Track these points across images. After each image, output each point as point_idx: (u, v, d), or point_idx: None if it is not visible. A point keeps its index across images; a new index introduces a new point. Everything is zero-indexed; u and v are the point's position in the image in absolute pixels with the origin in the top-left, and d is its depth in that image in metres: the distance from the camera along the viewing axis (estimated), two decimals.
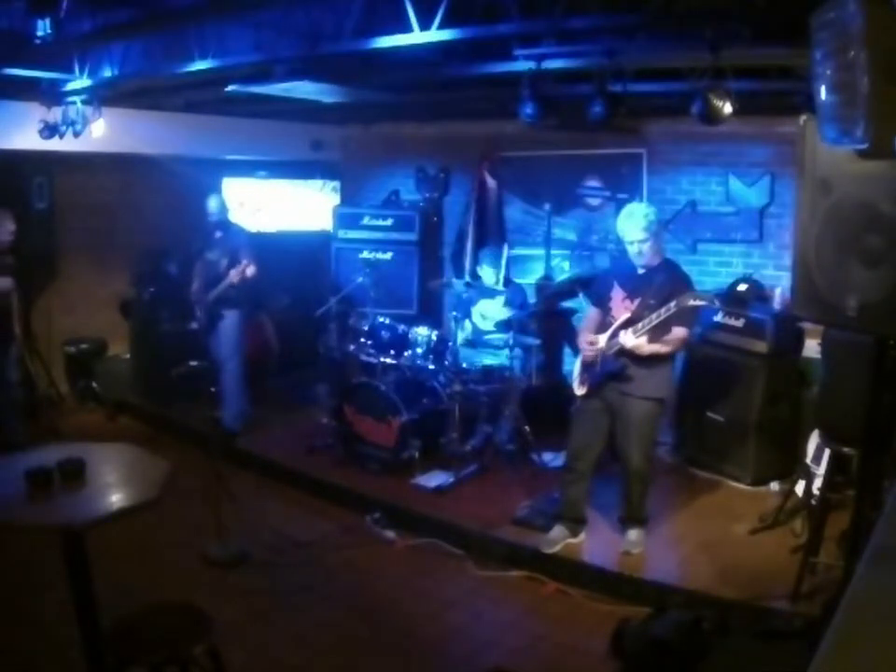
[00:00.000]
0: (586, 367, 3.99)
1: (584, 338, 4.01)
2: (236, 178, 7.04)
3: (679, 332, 3.73)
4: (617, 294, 3.94)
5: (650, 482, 4.06)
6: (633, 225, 3.80)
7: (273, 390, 6.69)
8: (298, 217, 7.53)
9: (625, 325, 3.80)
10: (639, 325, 3.66)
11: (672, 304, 3.57)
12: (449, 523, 4.36)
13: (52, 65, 4.49)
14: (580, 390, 4.02)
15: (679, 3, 2.87)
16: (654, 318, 3.63)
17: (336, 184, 7.71)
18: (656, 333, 3.71)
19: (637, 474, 3.96)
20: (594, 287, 4.25)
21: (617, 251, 5.96)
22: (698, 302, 3.61)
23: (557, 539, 4.07)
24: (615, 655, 3.18)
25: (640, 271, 3.90)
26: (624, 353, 3.79)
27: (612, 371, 3.85)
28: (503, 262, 5.77)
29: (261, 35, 3.87)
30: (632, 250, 3.85)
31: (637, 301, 3.82)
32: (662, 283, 3.78)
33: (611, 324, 3.89)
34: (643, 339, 3.68)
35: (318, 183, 7.65)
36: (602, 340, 3.89)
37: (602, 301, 4.03)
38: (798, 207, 2.59)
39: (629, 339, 3.70)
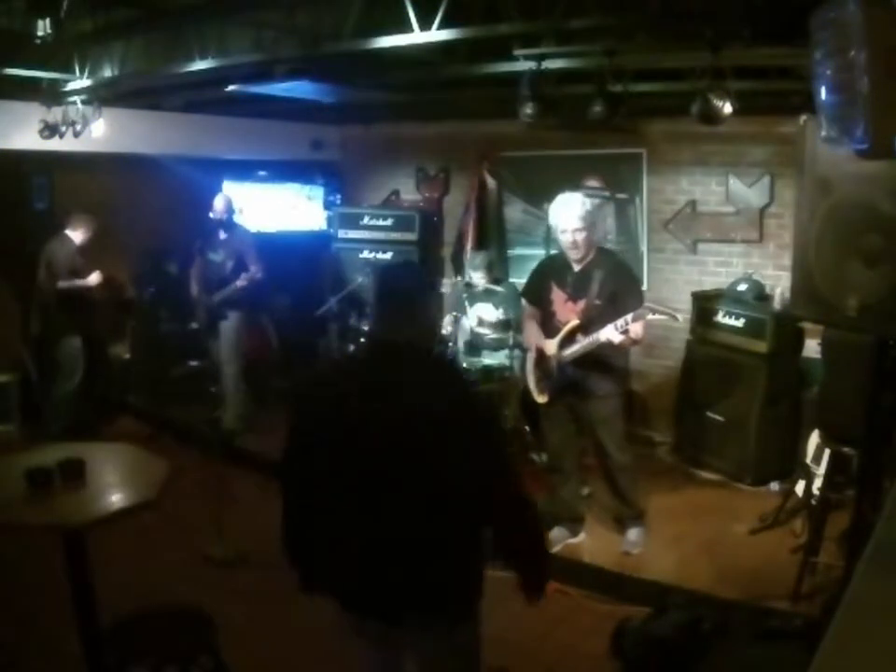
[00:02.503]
0: (543, 375, 3.93)
1: (533, 343, 3.93)
2: (236, 178, 7.03)
3: (637, 328, 3.61)
4: (557, 296, 3.84)
5: (635, 472, 4.07)
6: (569, 213, 3.70)
7: (273, 390, 6.68)
8: (298, 217, 7.52)
9: (575, 331, 3.72)
10: (618, 322, 3.52)
11: (629, 317, 3.48)
12: None
13: (52, 65, 4.49)
14: (540, 398, 3.98)
15: (678, 3, 2.87)
16: (622, 324, 3.51)
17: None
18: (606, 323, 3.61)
19: (621, 468, 3.97)
20: (530, 287, 4.07)
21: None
22: (657, 317, 3.54)
23: (557, 540, 4.07)
24: (615, 655, 3.18)
25: (576, 267, 3.80)
26: (581, 361, 3.72)
27: (571, 379, 3.81)
28: (494, 264, 5.74)
29: (261, 35, 3.86)
30: (565, 240, 3.73)
31: (581, 303, 3.74)
32: (603, 280, 3.70)
33: (558, 328, 3.80)
34: (625, 335, 3.56)
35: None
36: (552, 346, 3.81)
37: (541, 301, 3.92)
38: (798, 207, 2.59)
39: (615, 335, 3.54)
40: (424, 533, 1.89)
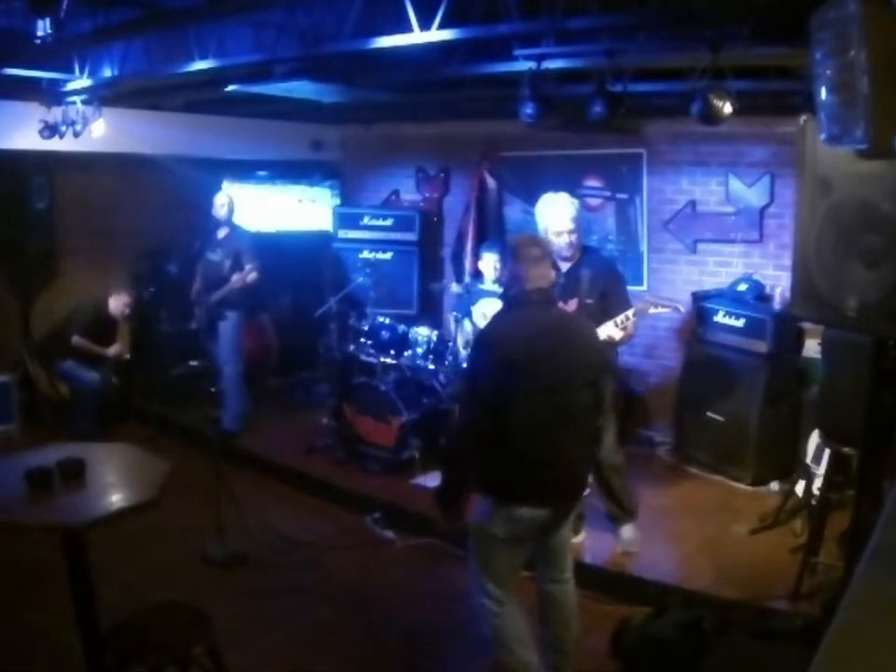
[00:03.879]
0: None
1: None
2: (236, 178, 7.03)
3: (632, 323, 3.64)
4: None
5: (625, 471, 4.05)
6: (562, 215, 3.68)
7: (273, 390, 6.69)
8: (298, 218, 7.52)
9: None
10: (618, 319, 3.57)
11: (630, 312, 3.51)
12: None
13: (52, 65, 4.49)
14: None
15: (678, 3, 2.87)
16: (622, 320, 3.55)
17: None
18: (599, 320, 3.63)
19: (612, 466, 3.96)
20: None
21: (616, 250, 5.97)
22: (659, 310, 3.53)
23: None
24: (615, 655, 3.18)
25: (564, 267, 3.79)
26: None
27: None
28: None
29: (261, 35, 3.86)
30: (560, 242, 3.70)
31: (572, 303, 3.72)
32: (592, 278, 3.70)
33: None
34: (625, 331, 3.60)
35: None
36: None
37: None
38: (798, 207, 2.59)
39: (616, 332, 3.57)
40: (583, 427, 2.73)
